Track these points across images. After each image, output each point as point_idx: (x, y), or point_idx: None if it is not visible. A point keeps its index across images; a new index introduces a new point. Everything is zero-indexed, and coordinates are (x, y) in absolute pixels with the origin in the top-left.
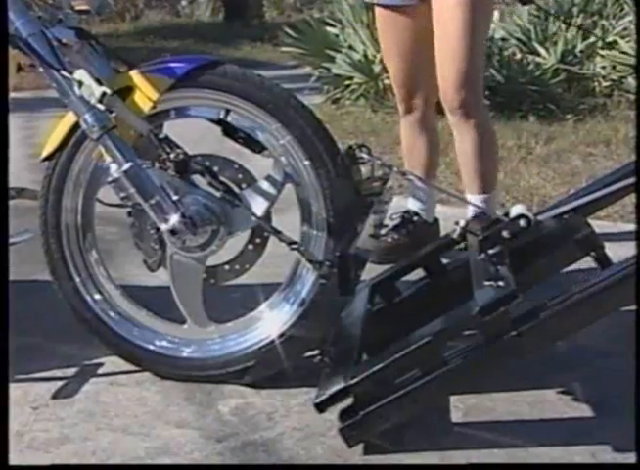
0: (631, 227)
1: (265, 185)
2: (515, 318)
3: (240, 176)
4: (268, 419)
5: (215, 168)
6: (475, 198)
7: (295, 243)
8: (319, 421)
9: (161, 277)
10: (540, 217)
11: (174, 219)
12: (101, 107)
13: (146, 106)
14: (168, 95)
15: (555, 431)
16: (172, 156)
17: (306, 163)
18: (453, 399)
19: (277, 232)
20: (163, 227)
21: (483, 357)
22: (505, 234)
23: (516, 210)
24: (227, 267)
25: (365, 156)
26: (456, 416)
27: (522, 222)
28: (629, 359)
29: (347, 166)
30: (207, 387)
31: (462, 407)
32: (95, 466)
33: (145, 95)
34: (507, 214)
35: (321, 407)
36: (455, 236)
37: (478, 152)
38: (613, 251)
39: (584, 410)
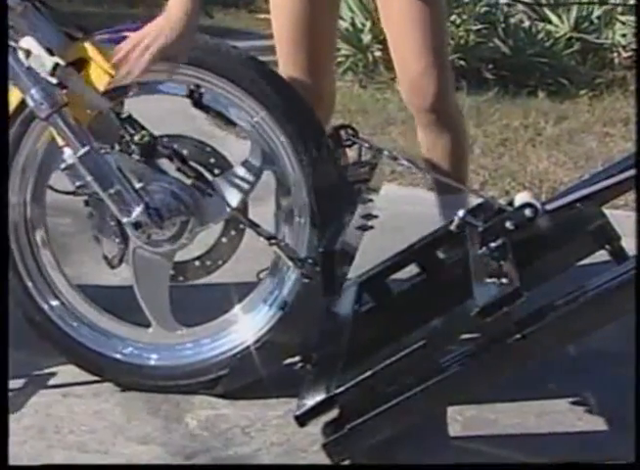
0: None
1: (241, 171)
2: (519, 320)
3: (213, 161)
4: (243, 433)
5: (185, 152)
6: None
7: (273, 237)
8: (300, 435)
9: (123, 275)
10: (548, 206)
11: (137, 211)
12: (52, 80)
13: (103, 81)
14: None
15: (565, 445)
16: (136, 138)
17: (286, 146)
18: (451, 410)
19: (254, 224)
20: (125, 220)
21: (484, 363)
22: (509, 225)
23: (521, 198)
24: (197, 263)
25: (351, 138)
26: (454, 429)
27: (527, 212)
28: None
29: (332, 150)
30: (175, 398)
31: (460, 419)
32: (94, 466)
33: (102, 68)
34: (511, 203)
35: (302, 420)
36: (453, 227)
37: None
38: (631, 244)
39: (598, 422)
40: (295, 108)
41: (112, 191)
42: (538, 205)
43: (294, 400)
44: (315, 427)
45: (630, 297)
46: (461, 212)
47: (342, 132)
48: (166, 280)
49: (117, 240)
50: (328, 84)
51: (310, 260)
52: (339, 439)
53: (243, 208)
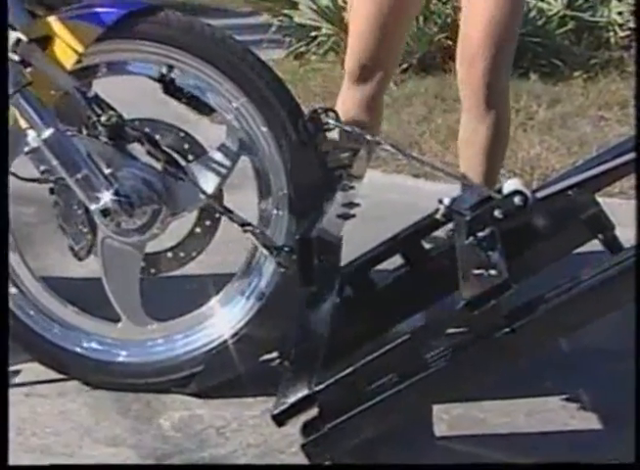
0: None
1: (217, 157)
2: (508, 313)
3: (186, 146)
4: (218, 434)
5: (157, 136)
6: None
7: (250, 225)
8: (278, 436)
9: (91, 266)
10: (539, 194)
11: (106, 197)
12: (14, 57)
13: (69, 60)
14: (97, 47)
15: (556, 445)
16: (104, 119)
17: (264, 130)
18: (436, 408)
19: (230, 213)
20: (93, 207)
21: (472, 359)
22: (497, 214)
23: (510, 185)
24: (170, 255)
25: (332, 122)
26: (440, 429)
27: (517, 200)
28: None
29: (312, 135)
30: (146, 397)
31: (447, 418)
32: (94, 466)
33: (68, 46)
34: (500, 191)
35: (281, 419)
36: (439, 216)
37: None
38: (626, 233)
39: (591, 421)
40: (273, 90)
41: (79, 176)
42: (528, 192)
43: (271, 399)
44: (294, 427)
45: (627, 288)
46: (447, 200)
47: (323, 116)
48: (137, 272)
49: (85, 230)
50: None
51: (287, 249)
52: (318, 439)
53: (218, 195)
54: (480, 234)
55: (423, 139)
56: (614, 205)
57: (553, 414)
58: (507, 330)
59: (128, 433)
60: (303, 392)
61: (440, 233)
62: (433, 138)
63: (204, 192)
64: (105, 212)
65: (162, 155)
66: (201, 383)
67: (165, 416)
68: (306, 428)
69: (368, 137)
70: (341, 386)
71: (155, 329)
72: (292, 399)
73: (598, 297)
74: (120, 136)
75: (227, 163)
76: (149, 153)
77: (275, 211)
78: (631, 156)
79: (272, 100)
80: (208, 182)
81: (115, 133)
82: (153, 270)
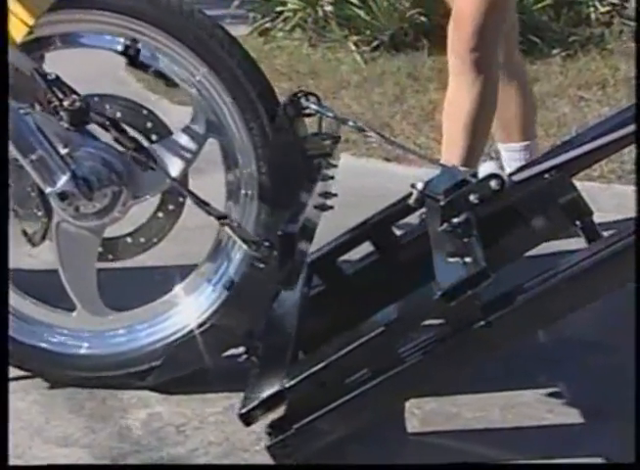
0: (630, 190)
1: (182, 138)
2: (485, 304)
3: (149, 126)
4: (177, 432)
5: (118, 114)
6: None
7: (224, 217)
8: (241, 434)
9: (41, 257)
10: (516, 177)
11: (63, 180)
12: None
13: (20, 32)
14: (50, 17)
15: (533, 440)
16: (67, 104)
17: (234, 113)
18: (408, 403)
19: (196, 197)
20: (49, 190)
21: (449, 352)
22: (473, 198)
23: (486, 168)
24: (129, 240)
25: (313, 106)
26: (412, 424)
27: (493, 184)
28: (625, 354)
29: (289, 118)
30: (101, 395)
31: (418, 413)
32: (95, 466)
33: (17, 18)
34: (475, 174)
35: (249, 419)
36: (411, 201)
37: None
38: (607, 218)
39: (570, 415)
40: (243, 69)
41: (33, 157)
42: (505, 176)
43: (234, 395)
44: (258, 424)
45: (607, 278)
46: (419, 185)
47: (303, 100)
48: (94, 258)
49: (39, 213)
50: None
51: (267, 244)
52: (285, 440)
53: (183, 179)
54: (455, 220)
55: (394, 121)
56: (594, 189)
57: (529, 408)
58: (484, 322)
59: (81, 432)
60: (273, 388)
61: (413, 219)
62: (404, 120)
63: (168, 175)
64: (62, 196)
65: (124, 135)
66: (160, 376)
67: (121, 414)
68: (272, 428)
69: (350, 123)
70: (310, 383)
71: (112, 319)
72: (261, 396)
73: (580, 286)
74: (84, 122)
75: (193, 145)
76: (109, 132)
77: (244, 198)
78: (604, 139)
79: (242, 79)
80: (173, 165)
81: (79, 119)
82: (110, 256)
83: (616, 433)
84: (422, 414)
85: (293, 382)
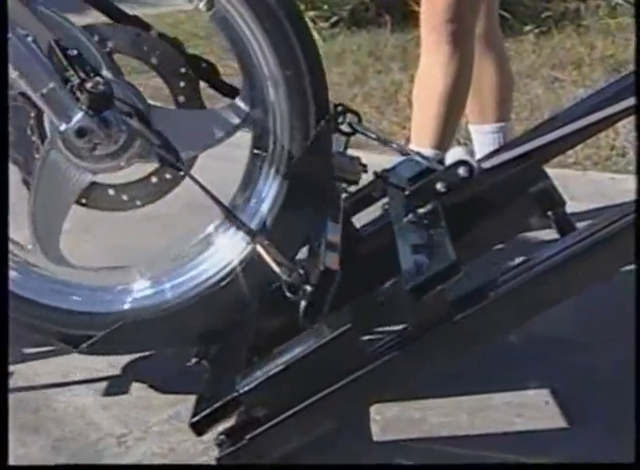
0: (607, 177)
1: (224, 112)
2: (456, 299)
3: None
4: (118, 444)
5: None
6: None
7: (254, 235)
8: (188, 444)
9: None
10: (485, 164)
11: (79, 116)
12: None
13: None
14: None
15: (502, 446)
16: (89, 86)
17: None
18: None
19: (231, 213)
20: (63, 127)
21: (417, 352)
22: (440, 187)
23: (454, 154)
24: (111, 192)
25: (352, 125)
26: (372, 431)
27: (461, 171)
28: (601, 353)
29: (327, 133)
30: (34, 404)
31: (380, 419)
32: (95, 466)
33: None
34: (442, 161)
35: (200, 428)
36: (373, 190)
37: None
38: (581, 207)
39: (542, 419)
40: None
41: (44, 90)
42: (474, 163)
43: (180, 401)
44: (206, 434)
45: (583, 272)
46: (382, 172)
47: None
48: (71, 201)
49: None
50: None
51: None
52: (237, 452)
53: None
54: (422, 210)
55: (355, 103)
56: (568, 176)
57: (498, 413)
58: (454, 320)
59: (12, 444)
60: (228, 394)
61: (375, 209)
62: (366, 102)
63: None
64: (80, 132)
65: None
66: (96, 349)
67: (55, 424)
68: (223, 438)
69: (394, 146)
70: (266, 388)
71: (64, 272)
72: (214, 404)
73: (555, 281)
74: (106, 106)
75: (232, 120)
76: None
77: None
78: (578, 124)
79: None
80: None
81: (100, 103)
82: (83, 200)
83: (591, 438)
84: (383, 420)
85: (249, 387)
